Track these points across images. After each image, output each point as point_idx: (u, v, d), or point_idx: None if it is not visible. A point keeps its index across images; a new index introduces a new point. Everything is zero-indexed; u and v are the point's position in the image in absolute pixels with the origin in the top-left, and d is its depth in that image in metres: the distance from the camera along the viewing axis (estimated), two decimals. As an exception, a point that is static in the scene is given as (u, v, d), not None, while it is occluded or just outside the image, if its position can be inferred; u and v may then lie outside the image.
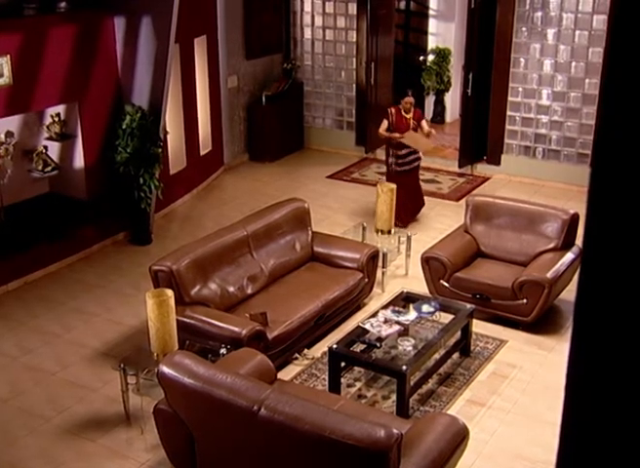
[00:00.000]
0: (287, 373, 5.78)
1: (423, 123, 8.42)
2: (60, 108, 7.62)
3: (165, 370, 4.33)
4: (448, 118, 12.63)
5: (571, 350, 1.02)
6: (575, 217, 6.66)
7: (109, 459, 4.90)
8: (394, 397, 5.33)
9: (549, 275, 6.19)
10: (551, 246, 6.63)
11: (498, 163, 10.25)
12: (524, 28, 9.61)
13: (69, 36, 7.27)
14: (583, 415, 1.05)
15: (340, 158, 11.15)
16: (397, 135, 8.21)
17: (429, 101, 12.75)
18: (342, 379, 5.59)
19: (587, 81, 9.38)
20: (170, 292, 5.06)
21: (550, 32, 9.48)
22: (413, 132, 8.25)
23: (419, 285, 6.88)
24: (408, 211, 8.41)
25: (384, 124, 8.31)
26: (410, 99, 8.27)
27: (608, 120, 0.95)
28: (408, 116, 8.29)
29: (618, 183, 0.94)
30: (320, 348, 6.12)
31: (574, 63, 9.45)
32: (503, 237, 6.86)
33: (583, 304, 1.01)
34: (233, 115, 10.68)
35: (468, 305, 6.01)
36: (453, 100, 12.42)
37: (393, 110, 8.34)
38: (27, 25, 6.96)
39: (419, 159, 8.55)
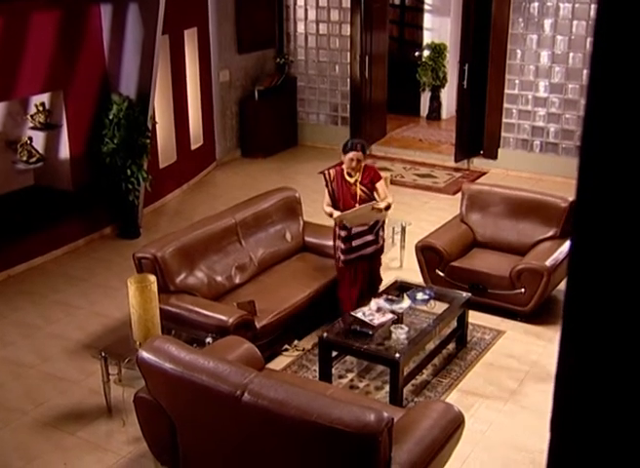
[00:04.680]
0: (276, 365, 5.55)
1: (380, 186, 5.66)
2: (45, 97, 7.42)
3: (144, 355, 4.11)
4: (444, 114, 12.46)
5: (561, 340, 1.00)
6: (574, 205, 6.44)
7: (88, 452, 4.67)
8: (388, 388, 5.12)
9: (548, 263, 5.98)
10: (550, 234, 6.43)
11: (494, 157, 10.05)
12: (520, 19, 9.44)
13: (53, 22, 7.08)
14: (573, 406, 1.02)
15: (335, 154, 10.87)
16: (336, 214, 5.59)
17: (425, 98, 12.59)
18: (334, 370, 5.37)
19: (585, 72, 9.19)
20: (152, 278, 4.84)
21: (547, 23, 9.31)
22: (357, 207, 5.56)
23: (414, 276, 6.66)
24: (363, 295, 5.80)
25: (326, 197, 5.74)
26: (355, 155, 5.53)
27: (594, 111, 0.92)
28: (352, 180, 5.62)
29: (605, 174, 0.92)
30: (311, 339, 5.90)
31: (571, 54, 9.27)
32: (500, 226, 6.65)
33: (573, 296, 0.98)
34: (225, 110, 10.49)
35: (464, 294, 5.81)
36: (449, 96, 12.23)
37: (332, 173, 5.69)
38: (9, 10, 6.75)
39: (375, 243, 5.75)
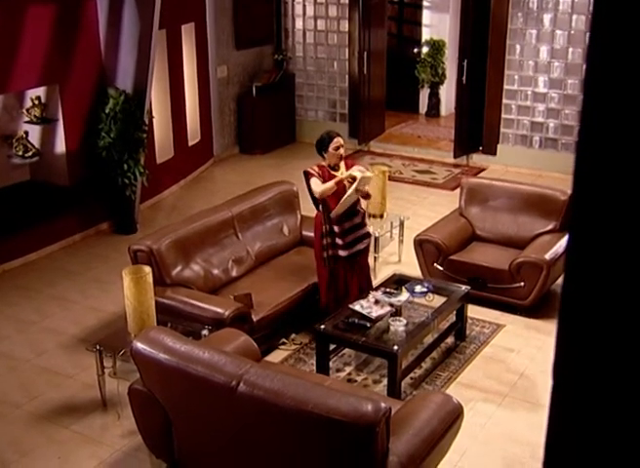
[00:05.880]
0: (273, 359, 5.49)
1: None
2: (41, 91, 7.36)
3: (139, 346, 4.05)
4: (443, 111, 12.40)
5: (558, 333, 1.01)
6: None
7: (82, 446, 4.61)
8: (386, 381, 5.06)
9: (547, 256, 5.93)
10: (549, 227, 6.37)
11: (494, 153, 10.00)
12: (519, 14, 9.39)
13: (49, 15, 7.01)
14: (571, 399, 1.01)
15: (333, 151, 10.87)
16: (346, 173, 5.44)
17: (424, 95, 12.53)
18: (331, 363, 5.31)
19: (585, 67, 9.13)
20: (147, 269, 4.78)
21: (547, 17, 9.26)
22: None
23: (412, 271, 6.60)
24: (353, 294, 5.61)
25: (316, 181, 5.44)
26: (339, 140, 5.46)
27: (591, 106, 0.93)
28: (339, 173, 5.50)
29: (602, 168, 0.92)
30: (308, 333, 5.83)
31: (571, 49, 9.22)
32: (500, 220, 6.60)
33: (570, 289, 0.99)
34: (223, 106, 10.43)
35: (463, 287, 5.75)
36: (448, 93, 12.16)
37: (317, 169, 5.51)
38: (5, 3, 6.70)
39: (369, 236, 5.78)
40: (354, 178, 5.36)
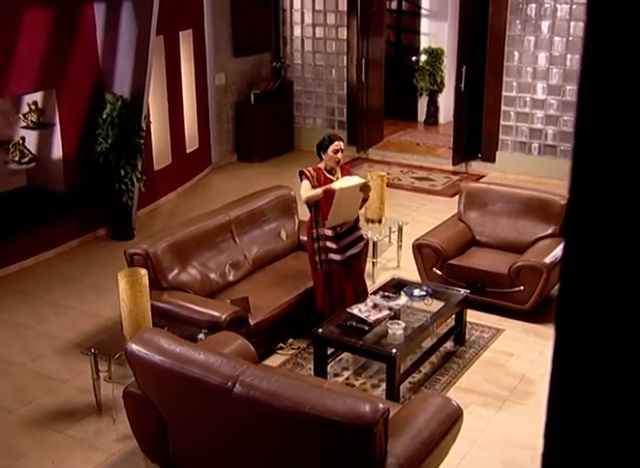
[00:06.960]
0: (271, 363, 5.43)
1: None
2: (38, 96, 7.33)
3: (134, 347, 4.01)
4: (441, 119, 12.38)
5: (555, 337, 1.00)
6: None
7: (75, 450, 4.55)
8: (384, 386, 5.00)
9: (547, 260, 5.89)
10: (549, 232, 6.34)
11: (492, 160, 9.97)
12: (517, 21, 9.39)
13: (46, 20, 7.00)
14: (568, 403, 1.01)
15: (332, 158, 10.84)
16: (334, 185, 5.29)
17: (422, 103, 12.52)
18: (329, 368, 5.25)
19: (579, 72, 9.12)
20: (143, 271, 4.73)
21: (545, 24, 9.26)
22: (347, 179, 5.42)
23: (411, 276, 6.54)
24: (349, 298, 5.55)
25: (306, 185, 5.41)
26: (339, 144, 5.44)
27: (586, 110, 0.91)
28: (335, 177, 5.46)
29: (598, 174, 0.91)
30: (307, 338, 5.78)
31: (569, 56, 9.23)
32: (499, 224, 6.56)
33: (566, 294, 0.97)
34: (221, 114, 10.41)
35: (462, 291, 5.70)
36: (446, 101, 12.14)
37: (312, 172, 5.46)
38: (1, 7, 6.68)
39: (362, 239, 5.79)
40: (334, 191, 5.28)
